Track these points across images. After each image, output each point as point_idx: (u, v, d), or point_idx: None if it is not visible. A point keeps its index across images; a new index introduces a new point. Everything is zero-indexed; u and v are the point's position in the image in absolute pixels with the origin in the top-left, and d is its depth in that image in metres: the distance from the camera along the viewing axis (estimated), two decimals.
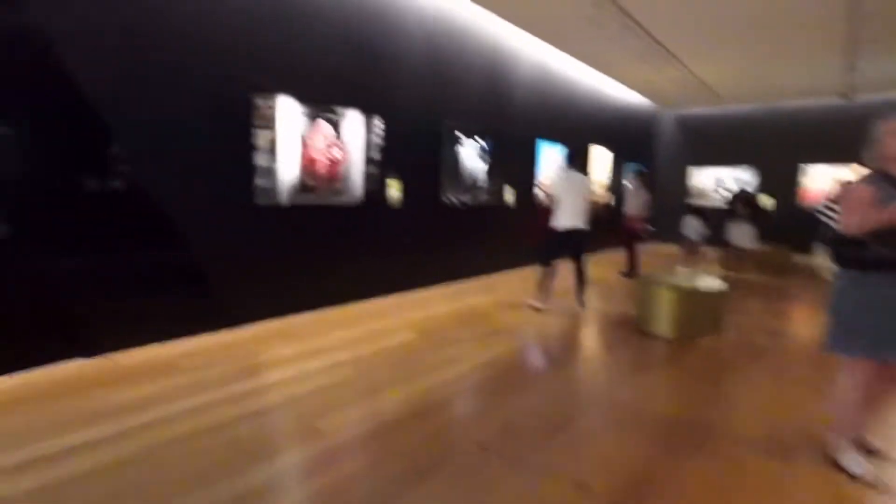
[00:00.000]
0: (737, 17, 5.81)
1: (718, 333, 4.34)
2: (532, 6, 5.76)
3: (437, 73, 5.68)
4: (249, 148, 3.95)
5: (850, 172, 8.94)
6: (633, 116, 10.66)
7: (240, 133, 3.89)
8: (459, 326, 4.41)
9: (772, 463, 2.25)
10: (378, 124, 4.96)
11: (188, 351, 3.46)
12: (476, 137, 6.33)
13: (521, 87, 7.03)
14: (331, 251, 4.72)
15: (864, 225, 2.03)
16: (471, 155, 6.30)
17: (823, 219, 7.08)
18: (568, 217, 4.92)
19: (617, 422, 2.66)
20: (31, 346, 3.00)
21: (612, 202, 9.80)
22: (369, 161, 4.93)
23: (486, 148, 6.53)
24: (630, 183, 8.02)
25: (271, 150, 4.07)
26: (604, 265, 7.56)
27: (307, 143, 4.34)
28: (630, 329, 4.45)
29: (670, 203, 11.21)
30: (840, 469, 2.18)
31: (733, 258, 8.01)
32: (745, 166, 10.87)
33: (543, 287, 5.06)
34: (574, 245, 5.05)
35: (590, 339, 4.46)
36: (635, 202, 7.27)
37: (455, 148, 6.05)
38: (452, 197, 6.10)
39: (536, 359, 3.84)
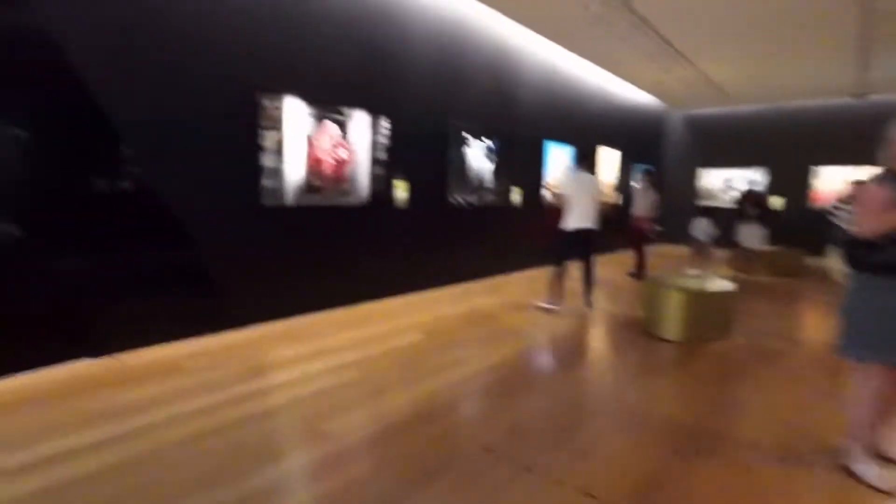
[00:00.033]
0: (747, 15, 5.74)
1: (728, 336, 4.28)
2: (540, 5, 5.73)
3: (444, 74, 5.66)
4: (256, 149, 3.95)
5: (863, 173, 8.83)
6: (641, 116, 10.58)
7: (246, 134, 3.90)
8: (466, 328, 4.39)
9: (783, 470, 2.21)
10: (384, 125, 4.95)
11: (194, 351, 3.47)
12: (483, 138, 6.31)
13: (528, 87, 6.99)
14: (336, 252, 4.72)
15: (880, 227, 1.98)
16: (477, 155, 6.28)
17: (835, 220, 7.00)
18: (578, 217, 4.90)
19: (624, 426, 2.62)
20: (39, 346, 3.01)
21: (620, 202, 9.74)
22: (375, 162, 4.92)
23: (493, 148, 6.50)
24: (638, 183, 7.96)
25: (278, 151, 4.07)
26: (611, 266, 7.50)
27: (313, 144, 4.34)
28: (638, 331, 4.40)
29: (679, 204, 11.12)
30: (854, 477, 2.13)
31: (743, 259, 7.92)
32: (755, 167, 10.76)
33: (555, 288, 5.04)
34: (583, 245, 5.02)
35: (597, 341, 4.42)
36: (643, 202, 7.20)
37: (462, 148, 6.03)
38: (459, 198, 6.08)
39: (543, 361, 3.81)
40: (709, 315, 4.24)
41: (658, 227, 7.97)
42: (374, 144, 4.89)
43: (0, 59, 2.73)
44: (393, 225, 5.24)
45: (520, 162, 7.05)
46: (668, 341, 4.13)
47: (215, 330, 3.80)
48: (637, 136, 10.39)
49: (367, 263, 5.01)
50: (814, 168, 10.15)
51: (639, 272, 7.02)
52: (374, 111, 4.84)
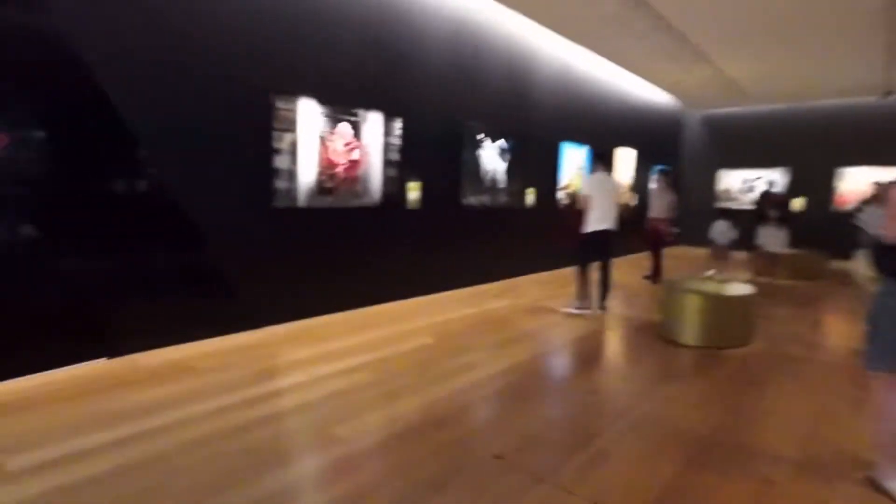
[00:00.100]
0: (770, 12, 5.60)
1: (747, 342, 4.16)
2: (558, 4, 5.66)
3: (459, 75, 5.63)
4: (269, 150, 3.96)
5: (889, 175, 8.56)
6: (658, 116, 10.43)
7: (260, 136, 3.91)
8: (478, 331, 4.35)
9: (807, 485, 2.13)
10: (397, 126, 4.94)
11: (206, 352, 3.49)
12: (497, 139, 6.26)
13: (543, 87, 6.93)
14: (349, 254, 4.71)
15: None
16: (491, 156, 6.23)
17: (860, 223, 6.79)
18: (598, 219, 4.84)
19: (639, 435, 2.55)
20: (53, 347, 3.05)
21: (636, 203, 9.57)
22: (388, 163, 4.91)
23: (507, 149, 6.45)
24: (654, 183, 7.82)
25: (291, 153, 4.08)
26: (627, 268, 7.39)
27: (326, 146, 4.34)
28: (654, 336, 4.31)
29: (697, 205, 10.92)
30: (882, 492, 2.04)
31: (764, 263, 7.73)
32: (777, 168, 10.52)
33: (582, 292, 4.98)
34: (602, 246, 4.96)
35: (612, 346, 4.35)
36: (660, 203, 7.06)
37: (475, 150, 5.99)
38: (472, 199, 6.05)
39: (556, 366, 3.75)
40: (728, 320, 4.12)
41: (675, 229, 7.83)
42: (387, 146, 4.88)
43: (18, 61, 2.78)
44: (405, 226, 5.22)
45: (534, 163, 6.98)
46: (685, 347, 4.03)
47: (227, 331, 3.82)
48: (654, 136, 10.23)
49: (379, 265, 5.00)
50: (838, 169, 9.89)
51: (655, 275, 6.90)
52: (388, 112, 4.83)
